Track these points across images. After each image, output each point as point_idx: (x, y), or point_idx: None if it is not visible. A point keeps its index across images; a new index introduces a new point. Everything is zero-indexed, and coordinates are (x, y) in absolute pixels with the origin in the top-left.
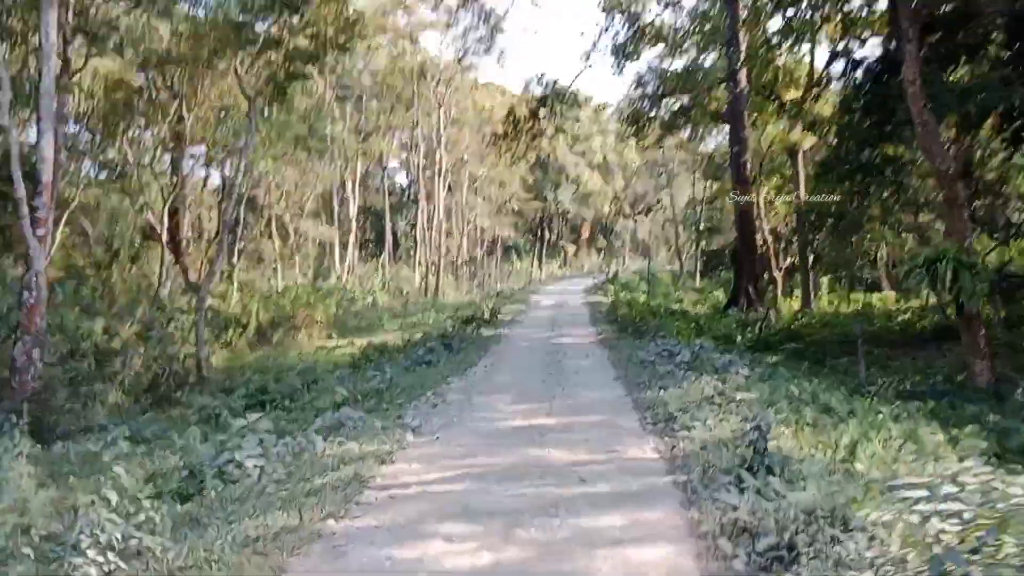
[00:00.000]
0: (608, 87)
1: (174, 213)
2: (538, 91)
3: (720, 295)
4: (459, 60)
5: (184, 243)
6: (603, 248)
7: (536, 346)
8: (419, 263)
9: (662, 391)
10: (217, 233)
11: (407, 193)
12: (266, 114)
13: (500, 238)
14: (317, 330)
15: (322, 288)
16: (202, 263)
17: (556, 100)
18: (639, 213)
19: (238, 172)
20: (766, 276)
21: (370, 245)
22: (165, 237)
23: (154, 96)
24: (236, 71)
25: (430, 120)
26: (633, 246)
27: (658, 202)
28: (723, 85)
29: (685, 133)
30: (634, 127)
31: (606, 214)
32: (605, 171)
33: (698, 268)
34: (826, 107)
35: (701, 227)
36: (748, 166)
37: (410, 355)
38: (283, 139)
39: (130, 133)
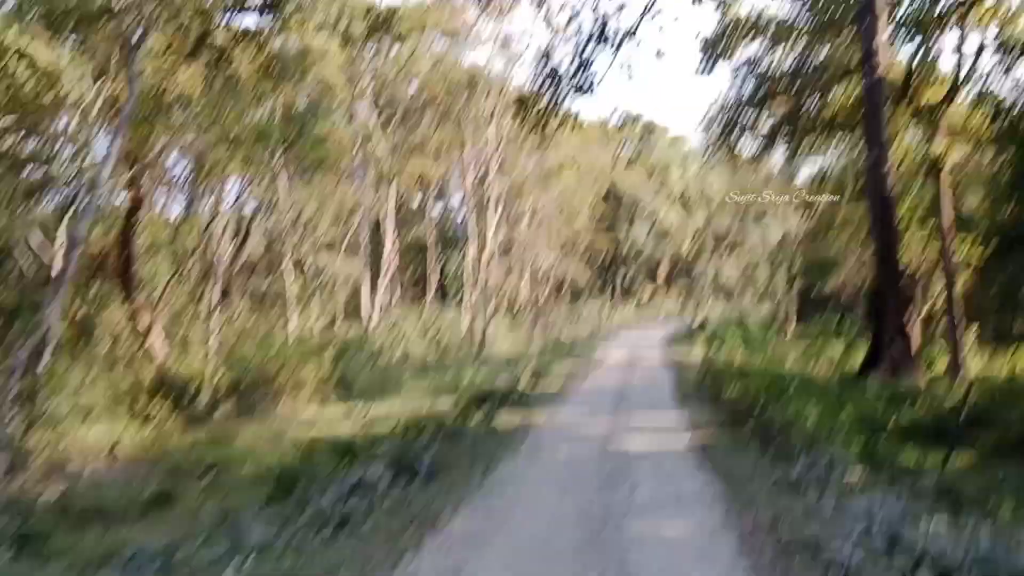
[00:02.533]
0: (688, 115)
1: (126, 242)
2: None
3: (837, 348)
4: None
5: (138, 280)
6: (682, 291)
7: (579, 463)
8: (467, 307)
9: None
10: (176, 270)
11: (457, 226)
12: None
13: (567, 279)
14: (308, 393)
15: (331, 338)
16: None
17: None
18: (723, 252)
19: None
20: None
21: (416, 286)
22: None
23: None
24: None
25: (482, 139)
26: (715, 288)
27: (740, 243)
28: (840, 86)
29: (779, 155)
30: (724, 141)
31: (685, 253)
32: (685, 205)
33: (793, 313)
34: (975, 113)
35: (795, 267)
36: (890, 179)
37: (345, 479)
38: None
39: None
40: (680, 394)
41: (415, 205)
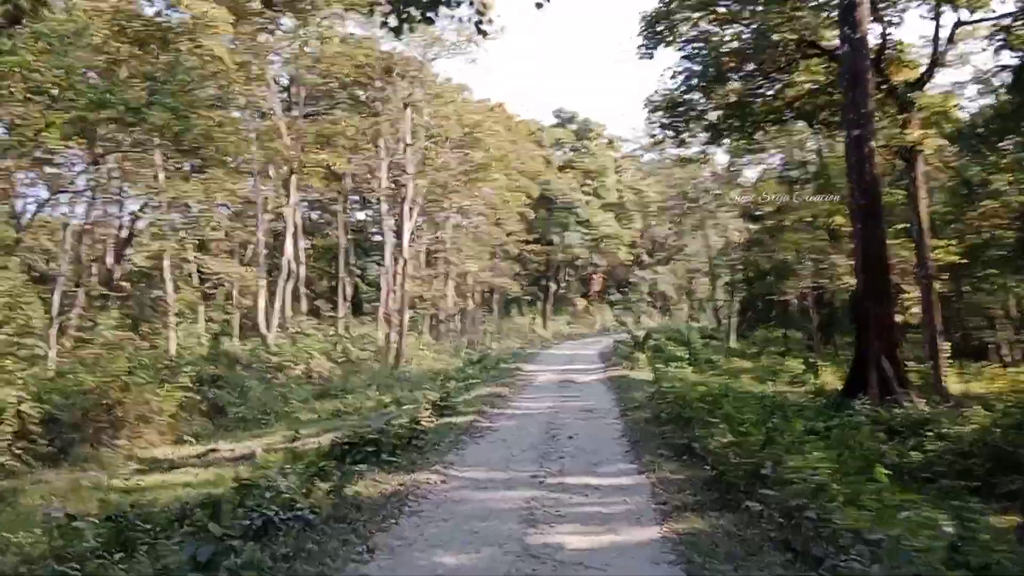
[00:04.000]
0: (622, 118)
1: None
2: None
3: (793, 365)
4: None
5: None
6: (618, 302)
7: None
8: (384, 320)
9: None
10: None
11: (373, 230)
12: None
13: (497, 289)
14: (163, 427)
15: (209, 354)
16: None
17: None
18: (661, 260)
19: None
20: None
21: (326, 297)
22: None
23: None
24: None
25: (397, 132)
26: (653, 299)
27: (679, 250)
28: (804, 63)
29: (723, 154)
30: (673, 130)
31: (621, 262)
32: (622, 211)
33: (732, 325)
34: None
35: (737, 276)
36: (875, 161)
37: None
38: None
39: None
40: (631, 433)
41: (323, 206)
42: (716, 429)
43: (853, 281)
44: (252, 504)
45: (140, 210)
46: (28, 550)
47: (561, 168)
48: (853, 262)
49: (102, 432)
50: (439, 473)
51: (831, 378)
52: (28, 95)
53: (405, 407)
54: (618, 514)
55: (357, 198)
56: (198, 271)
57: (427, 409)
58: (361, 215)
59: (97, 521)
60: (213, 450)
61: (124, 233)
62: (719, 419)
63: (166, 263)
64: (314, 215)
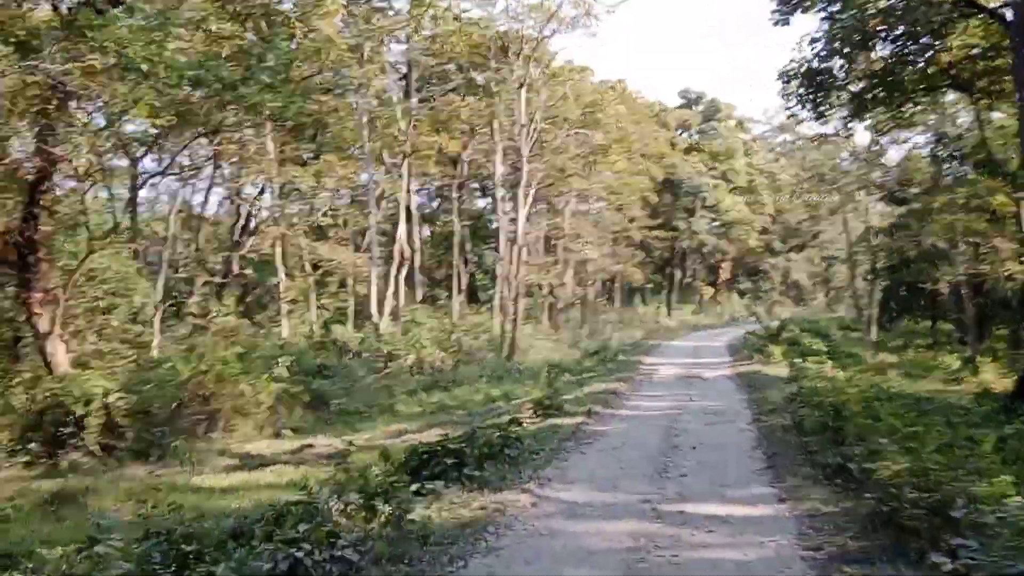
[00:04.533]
0: (751, 101)
1: (29, 221)
2: None
3: (948, 361)
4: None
5: (43, 267)
6: (747, 291)
7: None
8: (499, 308)
9: None
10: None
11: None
12: None
13: (618, 277)
14: (261, 419)
15: (317, 343)
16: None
17: None
18: (794, 248)
19: None
20: None
21: (442, 285)
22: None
23: None
24: None
25: (512, 114)
26: (785, 289)
27: (815, 236)
28: (962, 24)
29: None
30: (810, 103)
31: (751, 249)
32: (752, 195)
33: (874, 318)
34: None
35: (879, 264)
36: None
37: None
38: None
39: None
40: (767, 444)
41: (441, 194)
42: (878, 444)
43: (1020, 267)
44: (283, 535)
45: (256, 197)
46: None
47: (687, 151)
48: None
49: (198, 425)
50: (531, 493)
51: (993, 376)
52: (121, 70)
53: (514, 401)
54: (755, 562)
55: (477, 186)
56: (310, 258)
57: (530, 408)
58: (481, 203)
59: (124, 545)
60: (308, 446)
61: (242, 221)
62: (882, 431)
63: (278, 250)
64: (433, 204)
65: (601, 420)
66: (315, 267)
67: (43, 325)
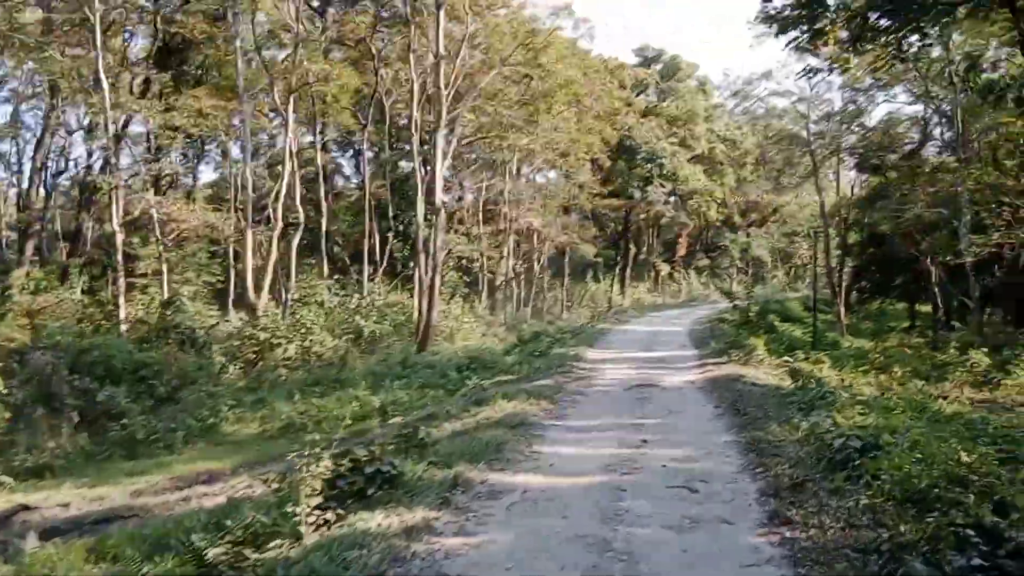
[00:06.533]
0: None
1: None
2: None
3: (978, 357)
4: None
5: None
6: (705, 268)
7: None
8: (418, 283)
9: None
10: None
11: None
12: None
13: (568, 250)
14: None
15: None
16: None
17: None
18: (753, 224)
19: None
20: None
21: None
22: None
23: None
24: None
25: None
26: (745, 265)
27: (776, 210)
28: None
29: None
30: (803, 22)
31: (710, 223)
32: (712, 164)
33: (841, 297)
34: None
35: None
36: None
37: None
38: None
39: None
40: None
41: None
42: None
43: None
44: None
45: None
46: None
47: (644, 114)
48: None
49: None
50: None
51: None
52: None
53: (392, 420)
54: None
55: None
56: (161, 220)
57: (315, 493)
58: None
59: None
60: (23, 507)
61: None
62: None
63: (114, 209)
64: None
65: (463, 518)
66: (179, 234)
67: None
